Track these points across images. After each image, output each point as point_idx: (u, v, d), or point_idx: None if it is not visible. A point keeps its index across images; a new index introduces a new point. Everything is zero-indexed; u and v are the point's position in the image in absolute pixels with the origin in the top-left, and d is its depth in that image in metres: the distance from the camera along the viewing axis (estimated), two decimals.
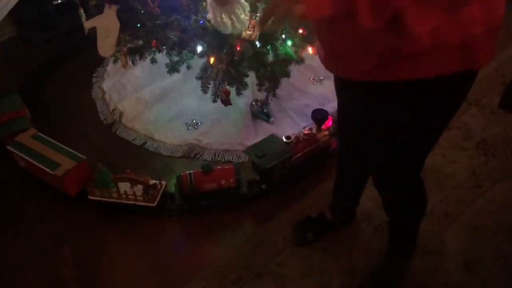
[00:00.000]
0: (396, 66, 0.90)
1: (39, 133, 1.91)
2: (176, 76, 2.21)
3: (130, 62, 1.86)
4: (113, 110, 2.19)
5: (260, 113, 2.11)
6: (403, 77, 0.92)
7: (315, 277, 1.53)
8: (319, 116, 1.80)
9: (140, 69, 2.39)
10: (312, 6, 0.75)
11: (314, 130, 1.83)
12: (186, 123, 2.13)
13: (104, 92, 2.33)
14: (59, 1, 2.62)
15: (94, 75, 2.47)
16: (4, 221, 1.79)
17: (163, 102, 2.24)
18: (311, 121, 1.89)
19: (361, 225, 1.66)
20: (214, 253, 1.65)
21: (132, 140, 2.09)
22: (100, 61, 2.53)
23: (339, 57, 1.01)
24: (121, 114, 2.17)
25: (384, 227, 1.51)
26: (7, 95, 2.06)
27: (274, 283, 1.54)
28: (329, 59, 1.05)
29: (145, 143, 2.07)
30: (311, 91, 2.24)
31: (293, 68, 1.90)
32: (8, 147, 1.86)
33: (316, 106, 2.03)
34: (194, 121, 2.13)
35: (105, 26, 1.66)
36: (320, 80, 2.29)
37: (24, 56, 2.57)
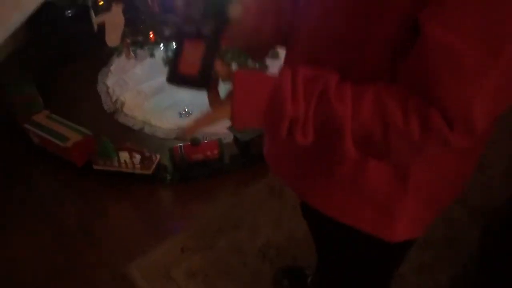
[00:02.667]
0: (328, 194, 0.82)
1: (52, 114, 2.22)
2: None
3: (132, 53, 2.19)
4: (116, 100, 2.51)
5: None
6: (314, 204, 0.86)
7: (283, 228, 1.83)
8: None
9: (140, 68, 2.72)
10: (237, 123, 0.71)
11: None
12: (180, 112, 2.44)
13: (108, 87, 2.65)
14: (72, 12, 2.98)
15: (99, 73, 2.79)
16: (19, 185, 2.08)
17: (160, 94, 2.55)
18: None
19: None
20: (199, 212, 1.94)
21: (132, 125, 2.40)
22: (105, 62, 2.86)
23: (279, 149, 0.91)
24: (122, 104, 2.48)
25: None
26: (23, 83, 2.37)
27: (248, 233, 1.82)
28: (269, 148, 0.97)
29: (143, 128, 2.38)
30: None
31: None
32: (25, 125, 2.16)
33: None
34: (187, 110, 2.44)
35: (112, 21, 1.99)
36: None
37: (36, 57, 2.90)
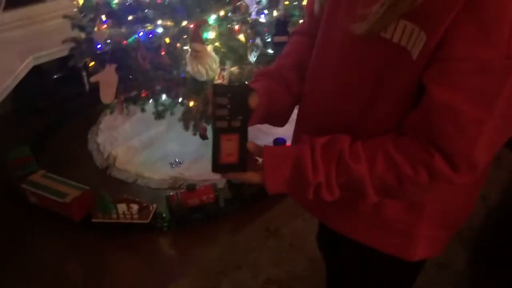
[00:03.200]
0: (353, 225, 0.91)
1: (48, 173, 2.27)
2: (160, 127, 2.68)
3: (125, 109, 2.30)
4: (108, 156, 2.59)
5: None
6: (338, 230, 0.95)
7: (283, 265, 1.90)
8: (279, 142, 2.25)
9: (129, 124, 2.82)
10: (269, 190, 0.82)
11: None
12: (171, 163, 2.53)
13: (98, 144, 2.73)
14: (59, 75, 3.10)
15: (89, 132, 2.88)
16: (16, 247, 2.09)
17: (150, 148, 2.65)
18: None
19: None
20: (200, 255, 1.99)
21: (125, 179, 2.47)
22: (94, 121, 2.96)
23: None
24: (114, 159, 2.56)
25: None
26: (17, 146, 2.43)
27: (250, 272, 1.88)
28: None
29: (136, 180, 2.45)
30: (274, 132, 2.69)
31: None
32: (22, 185, 2.20)
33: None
34: (177, 160, 2.54)
35: (106, 80, 2.11)
36: None
37: (27, 120, 2.97)
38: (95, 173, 2.52)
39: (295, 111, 1.00)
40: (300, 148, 0.79)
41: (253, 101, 0.86)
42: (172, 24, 2.18)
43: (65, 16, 2.50)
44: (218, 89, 0.84)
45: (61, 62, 3.10)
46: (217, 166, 0.83)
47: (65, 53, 2.88)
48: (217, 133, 0.83)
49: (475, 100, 0.66)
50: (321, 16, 0.87)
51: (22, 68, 2.75)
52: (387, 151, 0.73)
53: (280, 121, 0.99)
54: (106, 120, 2.95)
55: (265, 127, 2.24)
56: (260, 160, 0.84)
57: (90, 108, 3.09)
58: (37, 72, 2.96)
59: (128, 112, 2.43)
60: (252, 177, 0.83)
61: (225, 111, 0.83)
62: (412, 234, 0.88)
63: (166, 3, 2.10)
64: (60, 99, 3.11)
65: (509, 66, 0.63)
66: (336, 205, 0.88)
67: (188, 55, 2.07)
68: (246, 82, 2.01)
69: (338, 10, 0.81)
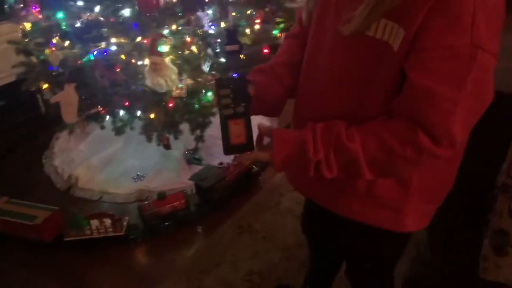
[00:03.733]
0: (347, 202, 1.02)
1: (12, 199, 2.24)
2: (117, 144, 2.72)
3: (87, 127, 2.33)
4: (69, 176, 2.58)
5: (193, 159, 2.63)
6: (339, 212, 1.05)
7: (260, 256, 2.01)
8: None
9: (84, 145, 2.83)
10: (276, 166, 0.93)
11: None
12: (133, 177, 2.57)
13: (56, 167, 2.72)
14: (2, 103, 3.05)
15: (43, 157, 2.85)
16: None
17: (110, 165, 2.67)
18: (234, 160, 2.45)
19: None
20: (178, 259, 2.06)
21: (90, 197, 2.48)
22: (45, 146, 2.93)
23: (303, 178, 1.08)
24: (76, 179, 2.56)
25: None
26: None
27: (230, 267, 1.98)
28: (295, 175, 1.15)
29: (101, 197, 2.47)
30: None
31: (212, 125, 2.46)
32: None
33: None
34: (139, 174, 2.58)
35: (67, 99, 2.14)
36: None
37: None
38: (57, 195, 2.50)
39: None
40: (303, 131, 0.92)
41: (250, 91, 0.99)
42: (126, 41, 2.26)
43: (9, 42, 2.50)
44: (220, 82, 0.98)
45: (2, 90, 3.06)
46: (229, 148, 0.95)
47: (8, 79, 2.86)
48: (225, 119, 0.96)
49: (448, 82, 0.77)
50: (309, 23, 1.01)
51: None
52: (378, 132, 0.86)
53: (274, 111, 1.12)
54: (60, 144, 2.94)
55: (221, 134, 2.37)
56: (266, 141, 0.97)
57: (40, 133, 3.06)
58: None
59: (86, 131, 2.45)
60: (261, 155, 0.96)
61: (228, 100, 0.96)
62: (402, 209, 0.99)
63: (121, 20, 2.17)
64: (7, 127, 3.05)
65: (473, 52, 0.76)
66: (335, 189, 1.02)
67: (146, 69, 2.15)
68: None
69: (326, 15, 0.95)
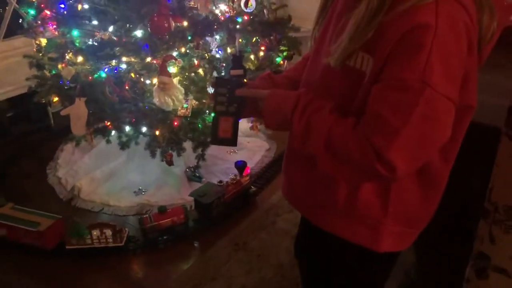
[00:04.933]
0: (327, 215, 1.08)
1: (16, 206, 2.32)
2: (120, 159, 2.81)
3: (94, 140, 2.42)
4: (72, 187, 2.66)
5: (193, 176, 2.71)
6: (325, 227, 1.10)
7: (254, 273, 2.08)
8: (240, 164, 2.47)
9: (88, 157, 2.91)
10: (266, 117, 1.04)
11: (237, 177, 2.48)
12: (134, 191, 2.65)
13: (59, 178, 2.80)
14: (11, 114, 3.15)
15: (47, 167, 2.93)
16: None
17: (113, 179, 2.75)
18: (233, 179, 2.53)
19: None
20: (175, 271, 2.13)
21: (91, 209, 2.55)
22: (50, 157, 3.01)
23: (292, 186, 1.19)
24: (79, 190, 2.64)
25: None
26: None
27: (224, 282, 2.05)
28: (286, 188, 1.21)
29: (102, 209, 2.55)
30: (230, 158, 2.91)
31: (213, 146, 2.56)
32: None
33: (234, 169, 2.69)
34: (141, 188, 2.66)
35: (77, 113, 2.24)
36: (235, 151, 2.99)
37: None
38: (60, 205, 2.58)
39: None
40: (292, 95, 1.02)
41: (244, 93, 1.11)
42: (136, 60, 2.37)
43: (25, 56, 2.61)
44: (219, 81, 1.14)
45: (12, 101, 3.17)
46: (216, 139, 1.12)
47: (20, 91, 2.97)
48: (217, 115, 1.11)
49: (394, 110, 0.85)
50: None
51: None
52: (348, 127, 0.93)
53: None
54: (64, 155, 3.02)
55: (222, 154, 2.47)
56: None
57: (46, 144, 3.15)
58: None
59: (93, 144, 2.54)
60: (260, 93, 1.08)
61: (224, 98, 1.10)
62: (378, 228, 1.04)
63: (132, 41, 2.28)
64: (14, 137, 3.14)
65: (421, 87, 0.82)
66: (320, 206, 1.10)
67: (155, 88, 2.25)
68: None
69: (323, 44, 1.06)
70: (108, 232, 2.18)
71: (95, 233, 2.16)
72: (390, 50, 0.85)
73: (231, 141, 1.11)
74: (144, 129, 2.46)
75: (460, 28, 0.85)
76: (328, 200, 1.06)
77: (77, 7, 2.38)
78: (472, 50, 0.89)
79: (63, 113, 2.27)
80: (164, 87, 2.22)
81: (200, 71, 2.47)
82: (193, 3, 2.39)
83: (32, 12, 2.49)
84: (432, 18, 0.82)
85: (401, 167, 0.87)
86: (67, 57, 2.44)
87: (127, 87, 2.37)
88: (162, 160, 2.41)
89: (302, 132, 0.97)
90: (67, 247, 2.17)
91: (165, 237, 2.24)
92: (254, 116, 1.13)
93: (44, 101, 2.57)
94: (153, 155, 2.41)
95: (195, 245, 2.29)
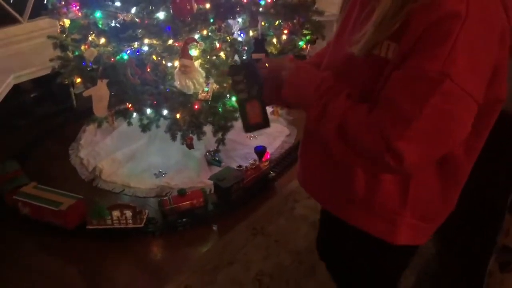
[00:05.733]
0: (346, 206, 1.06)
1: (39, 185, 2.36)
2: (141, 141, 2.83)
3: (115, 122, 2.44)
4: (94, 168, 2.69)
5: (213, 160, 2.71)
6: (341, 216, 1.09)
7: (272, 258, 2.08)
8: (259, 150, 2.46)
9: (110, 139, 2.94)
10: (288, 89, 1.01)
11: (257, 162, 2.47)
12: (155, 174, 2.67)
13: (81, 159, 2.83)
14: (35, 94, 3.19)
15: (70, 148, 2.97)
16: (13, 258, 2.15)
17: (134, 160, 2.77)
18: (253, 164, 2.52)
19: None
20: (193, 254, 2.14)
21: (112, 189, 2.58)
22: (72, 138, 3.05)
23: (308, 175, 1.17)
24: (100, 171, 2.67)
25: None
26: (5, 162, 2.50)
27: (242, 267, 2.05)
28: (302, 176, 1.20)
29: (123, 190, 2.57)
30: (249, 143, 2.90)
31: (233, 129, 2.55)
32: (14, 197, 2.28)
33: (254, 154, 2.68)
34: (161, 171, 2.68)
35: (99, 94, 2.25)
36: (255, 136, 2.98)
37: (5, 141, 3.01)
38: (82, 185, 2.61)
39: None
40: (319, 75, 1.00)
41: (263, 72, 1.10)
42: (158, 42, 2.36)
43: (49, 36, 2.62)
44: (233, 69, 1.12)
45: (37, 82, 3.20)
46: (249, 127, 1.10)
47: (44, 72, 3.00)
48: (242, 103, 1.09)
49: (409, 98, 0.81)
50: None
51: (4, 87, 2.82)
52: (362, 112, 0.88)
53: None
54: (86, 137, 3.05)
55: (242, 139, 2.47)
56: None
57: (69, 125, 3.19)
58: (15, 91, 3.03)
59: (114, 126, 2.56)
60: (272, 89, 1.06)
61: (242, 85, 1.09)
62: (395, 220, 1.03)
63: (155, 23, 2.27)
64: (38, 117, 3.19)
65: (439, 79, 0.78)
66: (338, 197, 1.08)
67: (176, 70, 2.24)
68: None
69: (345, 31, 1.03)
70: (128, 213, 2.20)
71: (116, 214, 2.19)
72: (416, 39, 0.81)
73: (263, 124, 1.10)
74: (165, 112, 2.46)
75: (493, 19, 0.82)
76: (346, 191, 1.04)
77: None
78: (504, 42, 0.85)
79: (85, 94, 2.29)
80: (186, 70, 2.21)
81: (222, 54, 2.45)
82: None
83: None
84: (463, 7, 0.78)
85: (408, 159, 0.82)
86: (89, 38, 2.45)
87: (148, 70, 2.36)
88: (183, 144, 2.41)
89: (319, 113, 0.94)
90: (87, 227, 2.20)
91: (184, 220, 2.26)
92: (275, 93, 1.08)
93: (67, 82, 2.58)
94: (173, 138, 2.41)
95: (214, 228, 2.30)
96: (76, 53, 2.49)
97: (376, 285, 1.28)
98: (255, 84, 1.08)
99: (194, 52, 2.30)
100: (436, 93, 0.79)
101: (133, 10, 2.35)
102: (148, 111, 2.49)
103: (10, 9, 3.20)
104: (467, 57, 0.79)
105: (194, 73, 2.23)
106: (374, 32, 0.86)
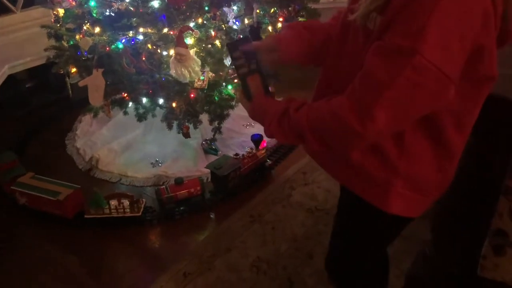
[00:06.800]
0: (346, 171, 1.10)
1: (36, 175, 2.36)
2: (137, 130, 2.83)
3: (111, 111, 2.44)
4: (90, 158, 2.70)
5: (210, 149, 2.72)
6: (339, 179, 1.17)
7: (269, 245, 2.10)
8: (256, 138, 2.46)
9: (106, 129, 2.94)
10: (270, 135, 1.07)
11: (253, 150, 2.48)
12: (152, 163, 2.67)
13: (78, 149, 2.83)
14: (31, 84, 3.18)
15: (66, 138, 2.97)
16: (12, 248, 2.17)
17: (130, 150, 2.77)
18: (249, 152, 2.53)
19: None
20: (190, 242, 2.16)
21: (109, 179, 2.59)
22: (68, 129, 3.05)
23: None
24: (97, 161, 2.67)
25: None
26: (1, 152, 2.50)
27: (239, 253, 2.07)
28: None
29: (120, 179, 2.58)
30: (246, 132, 2.91)
31: (230, 118, 2.57)
32: (12, 187, 2.28)
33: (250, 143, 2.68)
34: (158, 160, 2.68)
35: (94, 83, 2.25)
36: (251, 125, 2.98)
37: (3, 128, 3.02)
38: (79, 175, 2.62)
39: None
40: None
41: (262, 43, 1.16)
42: (153, 31, 2.35)
43: (43, 26, 2.61)
44: (230, 46, 1.13)
45: (32, 72, 3.19)
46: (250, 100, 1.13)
47: (39, 62, 2.99)
48: (243, 78, 1.11)
49: (384, 68, 0.86)
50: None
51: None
52: (320, 106, 0.98)
53: (307, 57, 1.20)
54: (82, 127, 3.06)
55: (239, 128, 2.49)
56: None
57: (65, 115, 3.18)
58: (10, 81, 3.02)
59: (110, 115, 2.56)
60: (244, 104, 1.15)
61: (241, 60, 1.11)
62: (388, 188, 1.06)
63: (149, 11, 2.26)
64: (34, 108, 3.18)
65: (411, 54, 0.83)
66: (340, 167, 1.12)
67: (172, 59, 2.24)
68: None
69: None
70: (126, 202, 2.21)
71: (113, 203, 2.20)
72: (395, 13, 0.86)
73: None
74: (161, 101, 2.46)
75: (471, 0, 0.84)
76: (342, 156, 1.08)
77: None
78: (488, 24, 0.87)
79: (81, 84, 2.28)
80: (181, 59, 2.20)
81: (217, 42, 2.44)
82: None
83: None
84: None
85: (377, 124, 0.88)
86: (84, 27, 2.44)
87: (144, 58, 2.36)
88: (179, 132, 2.42)
89: (292, 137, 1.03)
90: (85, 216, 2.21)
91: (181, 208, 2.27)
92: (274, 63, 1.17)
93: (62, 72, 2.57)
94: (169, 127, 2.42)
95: (211, 216, 2.31)
96: (71, 43, 2.48)
97: (364, 245, 1.30)
98: (253, 58, 1.10)
99: (189, 40, 2.30)
100: (407, 66, 0.84)
101: None
102: (144, 100, 2.49)
103: None
104: (439, 34, 0.83)
105: (189, 61, 2.22)
106: (366, 2, 0.92)
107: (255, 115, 1.12)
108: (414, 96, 0.87)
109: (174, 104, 2.38)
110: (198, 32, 2.29)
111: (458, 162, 1.10)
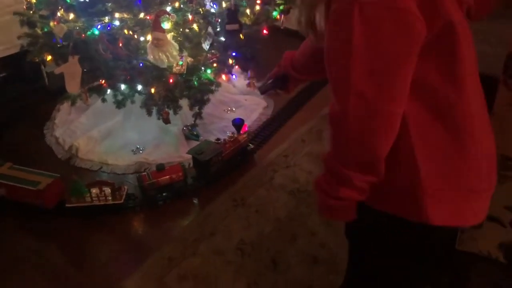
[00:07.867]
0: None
1: (14, 165, 2.32)
2: (116, 118, 2.80)
3: (89, 99, 2.40)
4: (70, 147, 2.66)
5: (191, 134, 2.71)
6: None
7: (252, 228, 2.11)
8: (237, 122, 2.46)
9: (85, 117, 2.90)
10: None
11: (235, 135, 2.48)
12: (132, 150, 2.65)
13: (57, 138, 2.79)
14: (4, 74, 3.11)
15: (45, 127, 2.92)
16: None
17: (110, 138, 2.74)
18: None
19: None
20: (174, 228, 2.16)
21: (90, 168, 2.56)
22: (46, 118, 3.00)
23: None
24: (77, 150, 2.64)
25: None
26: None
27: (223, 237, 2.08)
28: None
29: (101, 168, 2.56)
30: (227, 117, 2.90)
31: (210, 103, 2.56)
32: None
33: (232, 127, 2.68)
34: (138, 147, 2.66)
35: (70, 71, 2.21)
36: (232, 109, 2.98)
37: None
38: (58, 165, 2.58)
39: None
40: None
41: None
42: (129, 16, 2.32)
43: (15, 13, 2.54)
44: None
45: (5, 61, 3.11)
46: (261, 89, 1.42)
47: (12, 50, 2.92)
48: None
49: (337, 39, 0.88)
50: None
51: None
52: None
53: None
54: (60, 115, 3.01)
55: (220, 113, 2.49)
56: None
57: (42, 104, 3.12)
58: None
59: (89, 103, 2.52)
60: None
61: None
62: (417, 195, 0.94)
63: None
64: (9, 98, 3.11)
65: (350, 7, 0.83)
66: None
67: (149, 44, 2.21)
68: None
69: None
70: (107, 190, 2.19)
71: (94, 191, 2.18)
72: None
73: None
74: (139, 87, 2.44)
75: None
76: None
77: None
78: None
79: (56, 71, 2.24)
80: (158, 43, 2.18)
81: (195, 26, 2.42)
82: None
83: None
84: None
85: (361, 87, 0.85)
86: (58, 14, 2.39)
87: (120, 44, 2.32)
88: (159, 119, 2.40)
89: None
90: (67, 205, 2.19)
91: (164, 194, 2.26)
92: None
93: (37, 60, 2.52)
94: (149, 113, 2.40)
95: (194, 202, 2.31)
96: (45, 30, 2.42)
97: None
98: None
99: (166, 25, 2.27)
100: (353, 22, 0.83)
101: None
102: (122, 86, 2.47)
103: None
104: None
105: (167, 46, 2.20)
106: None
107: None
108: (384, 53, 0.84)
109: (153, 90, 2.36)
110: (175, 16, 2.26)
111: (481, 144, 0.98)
